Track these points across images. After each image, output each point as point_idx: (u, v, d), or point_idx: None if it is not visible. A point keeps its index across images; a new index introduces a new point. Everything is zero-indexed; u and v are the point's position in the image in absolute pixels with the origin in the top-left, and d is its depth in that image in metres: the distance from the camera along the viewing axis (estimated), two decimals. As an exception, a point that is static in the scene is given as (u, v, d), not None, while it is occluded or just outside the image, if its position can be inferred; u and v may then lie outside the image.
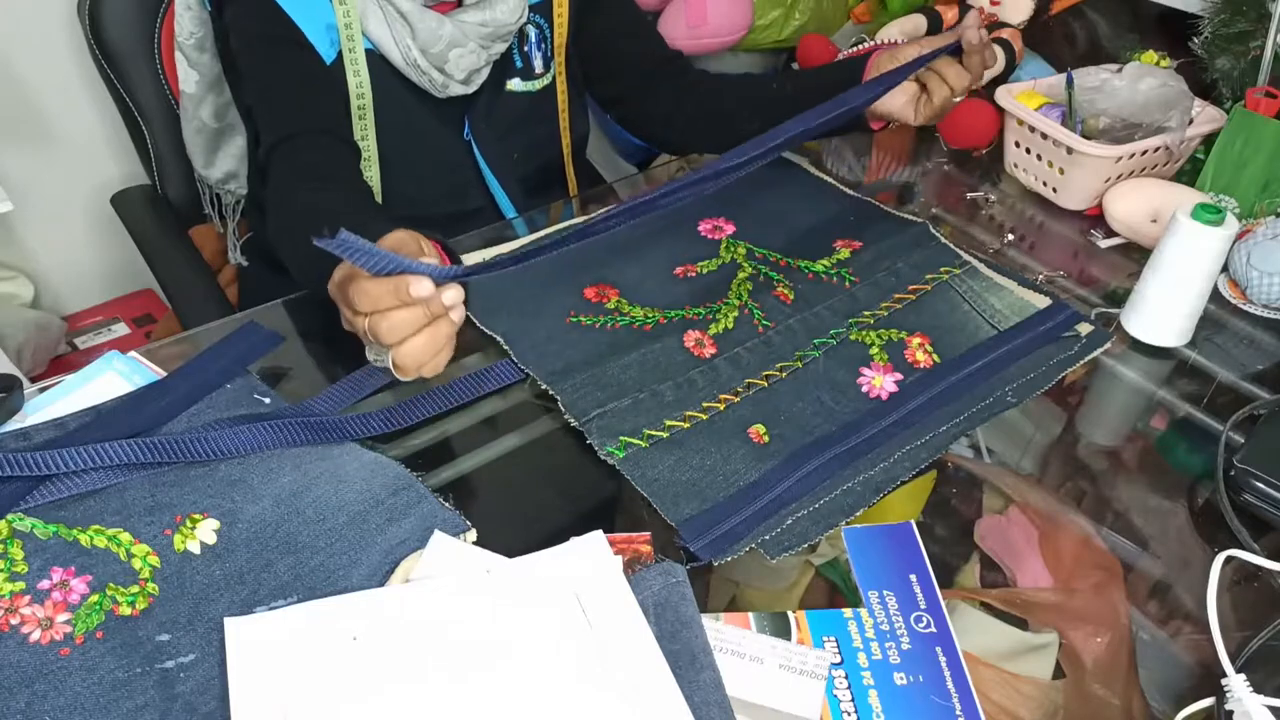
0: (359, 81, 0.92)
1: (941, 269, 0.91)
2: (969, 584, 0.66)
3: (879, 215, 1.00)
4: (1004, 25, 1.30)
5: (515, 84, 1.02)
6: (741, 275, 0.90)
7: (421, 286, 0.57)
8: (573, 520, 0.63)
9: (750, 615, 0.59)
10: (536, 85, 1.03)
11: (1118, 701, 0.58)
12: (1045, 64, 1.30)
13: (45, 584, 0.58)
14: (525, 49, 1.01)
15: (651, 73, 1.09)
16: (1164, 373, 0.85)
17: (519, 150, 1.05)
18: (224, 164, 1.13)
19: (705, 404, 0.75)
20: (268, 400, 0.73)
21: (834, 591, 0.64)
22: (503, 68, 1.00)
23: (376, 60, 0.92)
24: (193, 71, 1.04)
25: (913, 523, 0.66)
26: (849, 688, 0.56)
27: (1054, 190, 1.06)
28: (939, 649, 0.58)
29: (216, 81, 1.06)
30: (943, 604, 0.61)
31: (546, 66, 1.04)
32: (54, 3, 1.31)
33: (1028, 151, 1.08)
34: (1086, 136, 1.02)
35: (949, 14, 1.35)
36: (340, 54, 0.91)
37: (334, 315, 0.80)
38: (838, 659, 0.57)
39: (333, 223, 0.80)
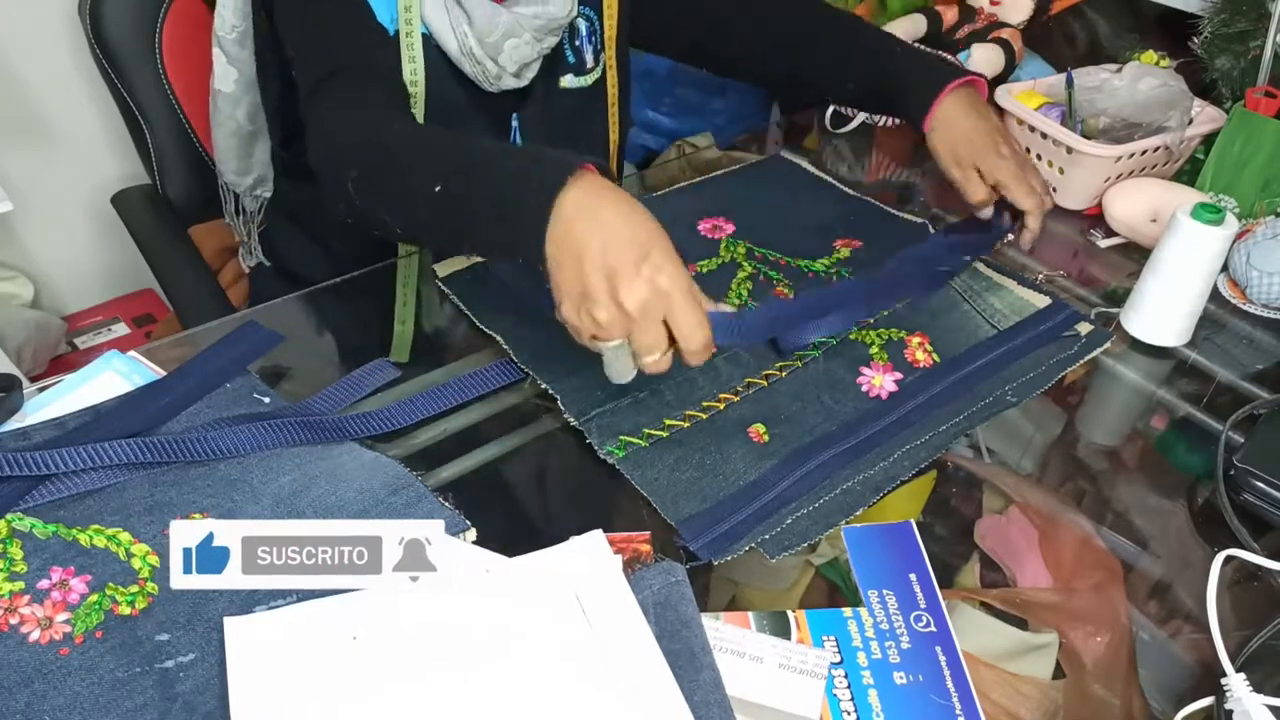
0: (414, 68, 0.88)
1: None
2: (969, 584, 0.66)
3: (879, 215, 1.00)
4: (1004, 25, 1.30)
5: (568, 80, 1.00)
6: (741, 275, 0.90)
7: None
8: (573, 520, 0.63)
9: (750, 615, 0.59)
10: (588, 80, 1.02)
11: (1118, 701, 0.58)
12: (1045, 64, 1.30)
13: (45, 583, 0.58)
14: (576, 43, 0.99)
15: (725, 10, 1.06)
16: (1164, 372, 0.85)
17: (569, 150, 1.03)
18: (254, 170, 1.09)
19: (705, 403, 0.75)
20: (268, 400, 0.73)
21: (834, 591, 0.64)
22: (555, 65, 0.98)
23: (430, 48, 0.89)
24: (231, 69, 1.00)
25: (912, 522, 0.66)
26: (849, 687, 0.56)
27: (1054, 190, 1.06)
28: (939, 648, 0.58)
29: (255, 81, 1.02)
30: (942, 604, 0.61)
31: (596, 60, 1.02)
32: (55, 2, 1.31)
33: (1028, 151, 1.08)
34: (1086, 136, 1.02)
35: (949, 14, 1.35)
36: (396, 35, 0.87)
37: (334, 317, 0.80)
38: (837, 658, 0.57)
39: (448, 154, 0.71)
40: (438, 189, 0.67)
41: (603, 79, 1.03)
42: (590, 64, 1.01)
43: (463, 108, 0.93)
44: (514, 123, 0.99)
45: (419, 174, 0.69)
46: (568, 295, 0.64)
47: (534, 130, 1.00)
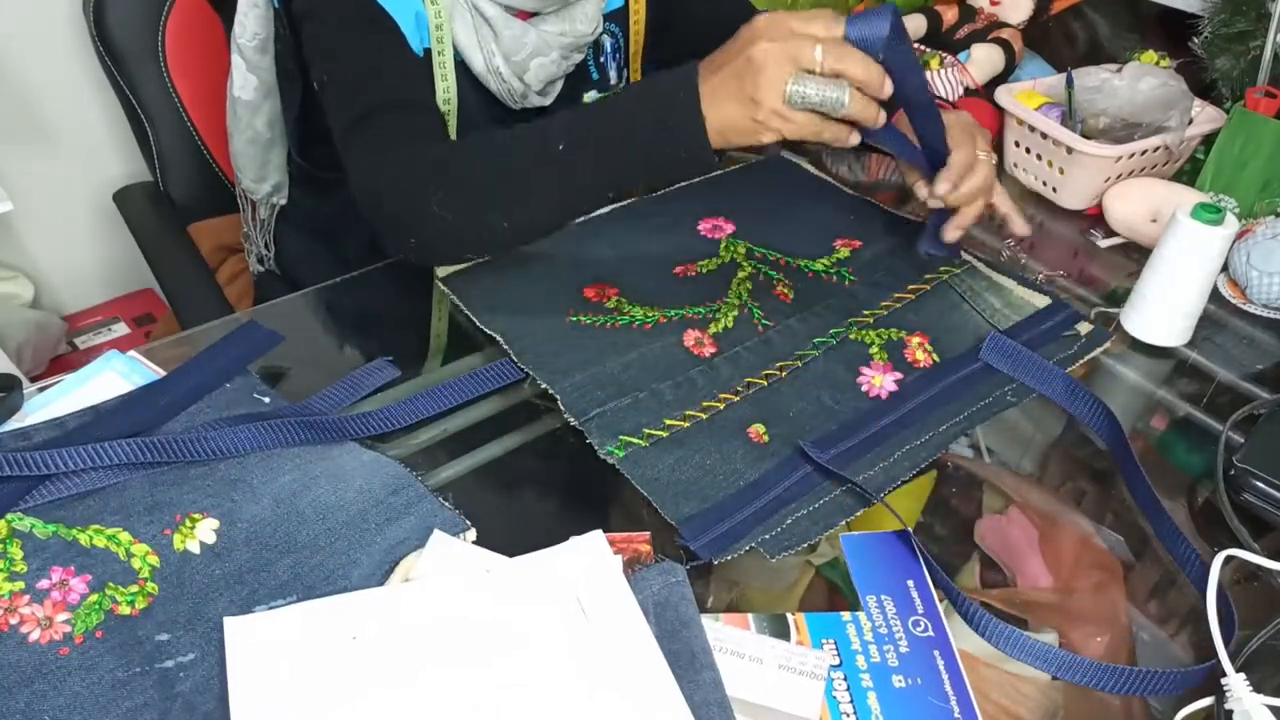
0: (446, 86, 0.88)
1: (941, 268, 0.91)
2: (969, 584, 0.66)
3: (879, 215, 1.00)
4: (1004, 25, 1.30)
5: (591, 96, 0.99)
6: (741, 274, 0.90)
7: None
8: (573, 520, 0.63)
9: (750, 617, 0.59)
10: None
11: (1118, 701, 0.58)
12: (1045, 64, 1.30)
13: (44, 583, 0.58)
14: (600, 59, 0.99)
15: None
16: (1164, 372, 0.85)
17: None
18: (272, 177, 1.07)
19: (705, 403, 0.75)
20: (267, 400, 0.73)
21: (834, 592, 0.64)
22: (579, 80, 0.97)
23: (458, 66, 0.89)
24: (251, 76, 0.97)
25: (910, 531, 0.65)
26: (848, 689, 0.56)
27: (1054, 190, 1.06)
28: (937, 653, 0.58)
29: (274, 88, 1.00)
30: (940, 609, 0.61)
31: (620, 76, 1.01)
32: (59, 1, 1.31)
33: (1028, 151, 1.08)
34: (1086, 136, 1.02)
35: (949, 14, 1.35)
36: (428, 54, 0.86)
37: (334, 317, 0.80)
38: (836, 661, 0.57)
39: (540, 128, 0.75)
40: (561, 147, 0.69)
41: None
42: (614, 80, 1.00)
43: (485, 124, 0.92)
44: None
45: (521, 153, 0.72)
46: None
47: None
